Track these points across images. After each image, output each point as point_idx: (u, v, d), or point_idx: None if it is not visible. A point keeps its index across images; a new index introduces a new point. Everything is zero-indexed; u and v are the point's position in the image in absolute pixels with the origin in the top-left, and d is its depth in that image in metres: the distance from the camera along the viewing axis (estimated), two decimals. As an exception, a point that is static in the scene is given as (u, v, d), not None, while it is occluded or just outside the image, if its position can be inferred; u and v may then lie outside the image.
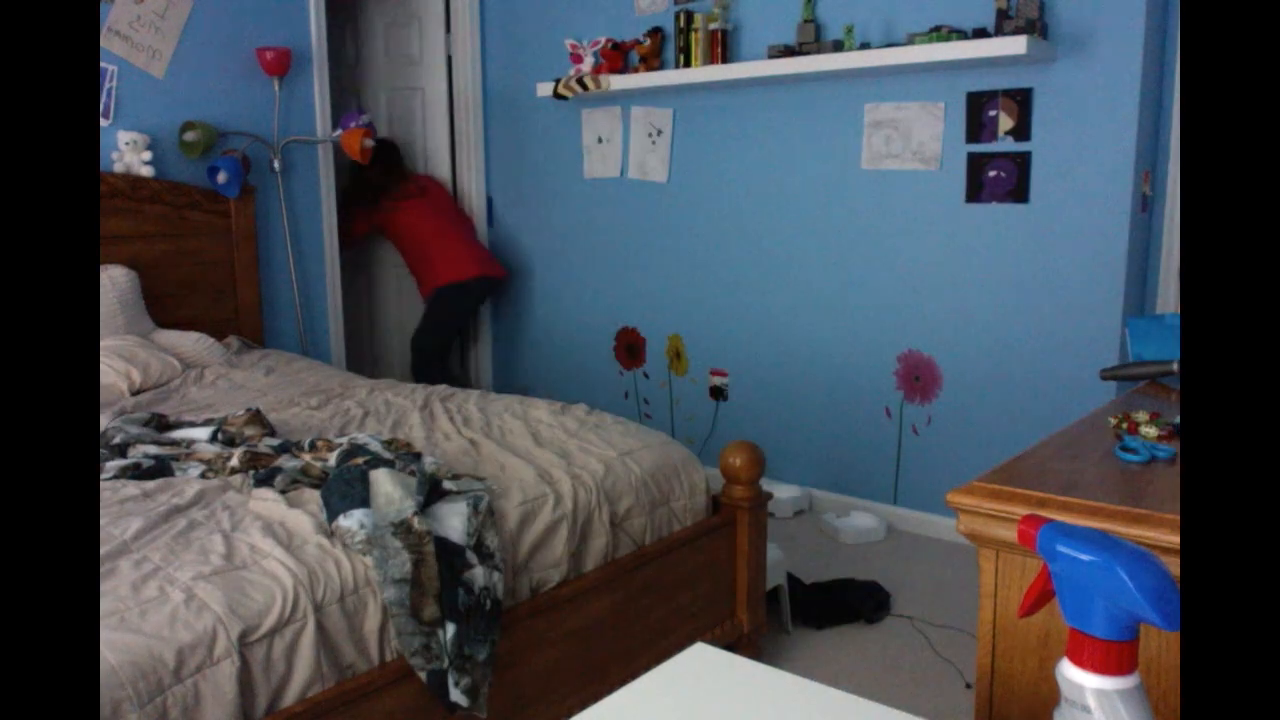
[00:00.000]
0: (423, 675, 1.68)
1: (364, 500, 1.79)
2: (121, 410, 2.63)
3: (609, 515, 2.16)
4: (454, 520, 1.83)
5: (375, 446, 2.11)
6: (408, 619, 1.68)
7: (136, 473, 2.04)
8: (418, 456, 2.07)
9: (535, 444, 2.34)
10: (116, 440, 2.21)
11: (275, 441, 2.25)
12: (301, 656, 1.57)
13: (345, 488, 1.82)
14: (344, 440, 2.18)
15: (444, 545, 1.77)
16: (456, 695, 1.71)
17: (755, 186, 3.78)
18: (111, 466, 2.06)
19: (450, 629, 1.72)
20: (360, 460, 1.96)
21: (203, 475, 2.06)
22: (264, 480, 1.97)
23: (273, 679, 1.54)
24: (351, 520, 1.74)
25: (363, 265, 4.76)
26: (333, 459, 2.05)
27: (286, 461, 2.08)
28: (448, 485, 1.95)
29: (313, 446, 2.19)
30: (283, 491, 1.92)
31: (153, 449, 2.19)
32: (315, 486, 1.95)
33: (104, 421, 2.43)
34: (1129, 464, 1.19)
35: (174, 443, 2.27)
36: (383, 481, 1.83)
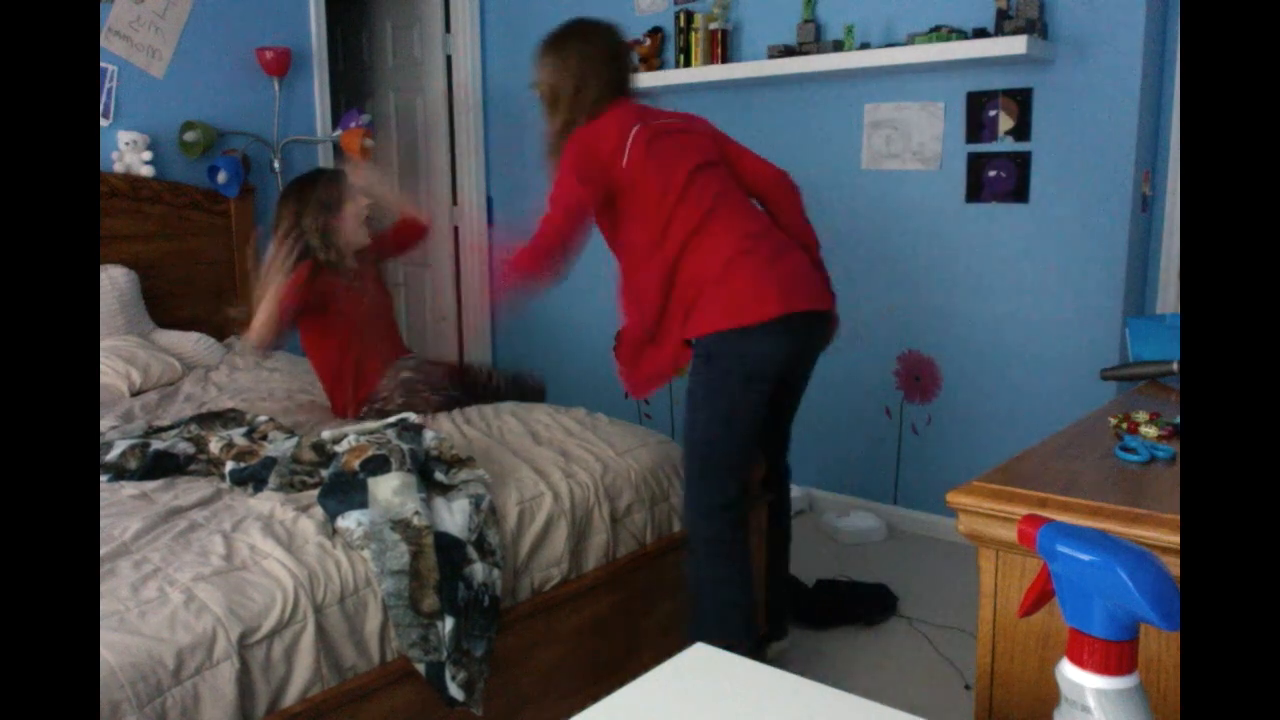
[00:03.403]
0: (420, 667, 1.68)
1: (363, 505, 1.79)
2: (128, 414, 2.63)
3: (609, 511, 2.16)
4: (455, 516, 1.83)
5: (371, 424, 2.13)
6: (405, 610, 1.68)
7: (141, 468, 2.04)
8: (419, 430, 2.07)
9: (534, 442, 2.34)
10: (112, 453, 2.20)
11: (284, 436, 2.24)
12: (301, 658, 1.57)
13: (343, 493, 1.82)
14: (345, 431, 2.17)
15: (444, 539, 1.78)
16: (453, 689, 1.72)
17: (755, 186, 3.77)
18: (120, 444, 2.07)
19: (449, 622, 1.71)
20: (355, 460, 1.96)
21: (204, 472, 2.06)
22: (257, 474, 1.97)
23: (272, 681, 1.54)
24: (349, 520, 1.74)
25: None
26: (327, 436, 2.05)
27: (279, 446, 2.07)
28: (442, 479, 1.95)
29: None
30: (279, 489, 1.93)
31: (182, 445, 2.18)
32: (308, 475, 1.95)
33: (104, 424, 2.43)
34: (1129, 464, 1.19)
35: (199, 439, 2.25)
36: (382, 488, 1.83)
